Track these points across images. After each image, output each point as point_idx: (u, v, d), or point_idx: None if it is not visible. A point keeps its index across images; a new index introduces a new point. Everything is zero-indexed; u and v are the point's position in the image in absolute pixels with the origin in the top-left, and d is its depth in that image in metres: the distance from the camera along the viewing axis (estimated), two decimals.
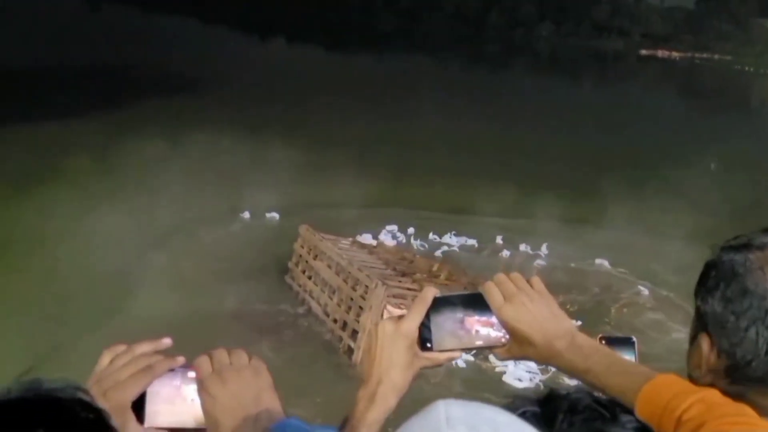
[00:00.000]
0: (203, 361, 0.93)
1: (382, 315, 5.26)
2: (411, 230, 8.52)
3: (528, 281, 1.03)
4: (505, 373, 5.70)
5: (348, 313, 5.93)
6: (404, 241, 8.37)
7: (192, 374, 0.93)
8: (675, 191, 9.38)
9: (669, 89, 32.61)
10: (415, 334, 1.00)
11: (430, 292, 1.03)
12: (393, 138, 12.81)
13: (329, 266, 6.46)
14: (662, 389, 0.86)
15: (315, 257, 6.69)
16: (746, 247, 0.95)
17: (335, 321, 6.11)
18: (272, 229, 8.49)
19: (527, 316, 0.99)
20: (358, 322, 5.61)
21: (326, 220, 7.83)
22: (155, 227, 7.79)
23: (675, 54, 63.27)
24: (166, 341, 0.94)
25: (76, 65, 19.19)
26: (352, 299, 5.97)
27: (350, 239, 7.48)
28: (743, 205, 8.79)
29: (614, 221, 8.80)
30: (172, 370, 0.92)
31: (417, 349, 1.00)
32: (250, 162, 9.67)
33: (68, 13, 38.00)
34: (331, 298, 6.26)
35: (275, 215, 8.95)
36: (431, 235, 8.48)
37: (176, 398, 0.93)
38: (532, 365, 5.58)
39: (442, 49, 44.17)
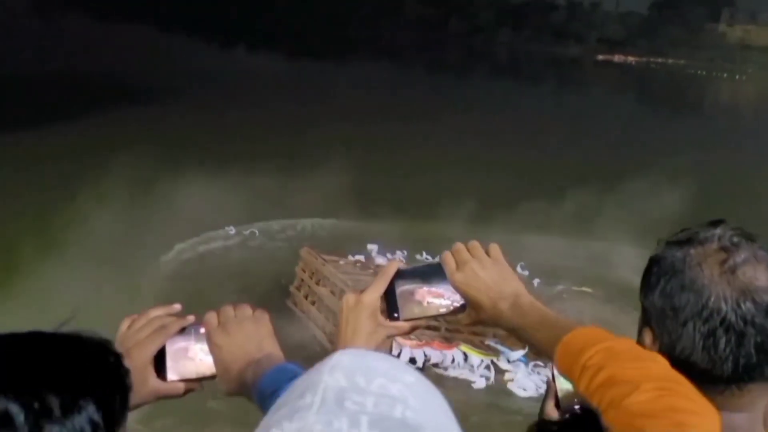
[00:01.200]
0: (211, 316, 1.05)
1: (391, 347, 5.10)
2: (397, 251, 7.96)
3: (486, 250, 1.07)
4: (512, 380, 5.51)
5: None
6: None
7: (202, 330, 1.05)
8: (630, 195, 9.50)
9: (626, 93, 33.33)
10: (377, 303, 1.05)
11: (393, 265, 1.08)
12: (358, 146, 12.73)
13: (332, 292, 6.04)
14: (578, 340, 0.89)
15: (317, 282, 6.31)
16: (688, 242, 0.98)
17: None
18: (256, 249, 8.10)
19: (476, 281, 1.04)
20: None
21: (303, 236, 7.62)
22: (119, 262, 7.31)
23: (631, 59, 64.89)
24: (177, 306, 1.07)
25: (23, 74, 18.67)
26: None
27: (353, 259, 7.15)
28: (694, 208, 8.93)
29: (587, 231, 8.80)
30: (184, 328, 1.05)
31: (381, 318, 1.05)
32: (220, 174, 9.45)
33: (15, 19, 37.06)
34: (336, 326, 5.95)
35: (255, 231, 8.51)
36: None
37: (190, 353, 1.05)
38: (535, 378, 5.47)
39: (405, 56, 44.43)
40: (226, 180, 8.71)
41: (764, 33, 75.99)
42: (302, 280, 6.55)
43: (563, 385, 1.10)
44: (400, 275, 1.08)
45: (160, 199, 8.17)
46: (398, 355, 4.95)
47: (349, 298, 1.07)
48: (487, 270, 1.05)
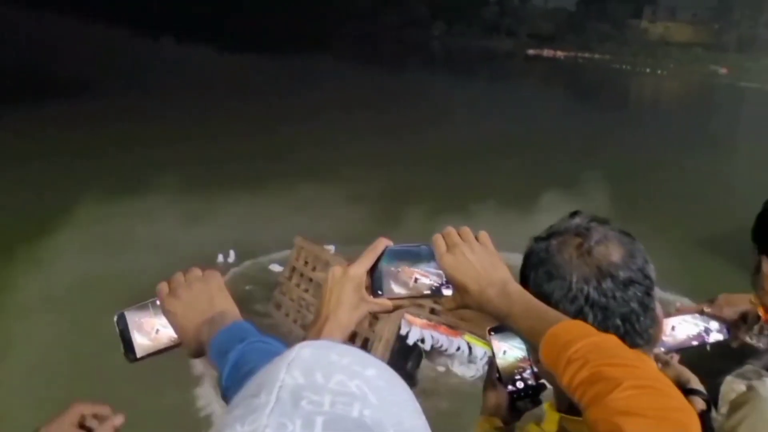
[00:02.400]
0: (162, 286, 1.08)
1: (399, 326, 4.88)
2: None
3: (476, 235, 1.08)
4: None
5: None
6: None
7: (158, 302, 1.08)
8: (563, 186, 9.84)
9: (554, 87, 34.27)
10: (363, 278, 1.06)
11: (382, 242, 1.09)
12: (291, 141, 12.72)
13: None
14: (565, 332, 0.89)
15: (314, 269, 5.94)
16: (550, 235, 1.07)
17: None
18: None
19: (465, 265, 1.03)
20: (374, 331, 4.95)
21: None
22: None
23: (559, 53, 66.58)
24: (118, 420, 1.15)
25: None
26: None
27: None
28: (621, 201, 9.36)
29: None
30: (143, 306, 1.08)
31: (365, 293, 1.07)
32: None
33: None
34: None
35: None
36: None
37: (152, 327, 1.07)
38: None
39: (339, 48, 44.28)
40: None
41: (683, 30, 79.64)
42: (294, 268, 6.14)
43: (503, 361, 1.22)
44: (387, 253, 1.08)
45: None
46: (407, 335, 4.85)
47: (336, 269, 1.08)
48: (477, 255, 1.04)
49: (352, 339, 5.43)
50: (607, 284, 0.99)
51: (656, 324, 1.04)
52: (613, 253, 1.02)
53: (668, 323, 1.58)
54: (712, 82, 46.65)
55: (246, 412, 0.47)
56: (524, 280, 1.06)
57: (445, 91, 23.12)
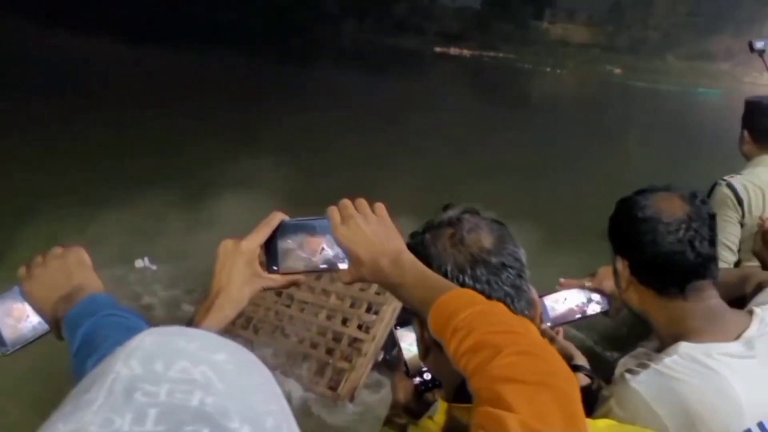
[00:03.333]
0: (21, 270, 1.05)
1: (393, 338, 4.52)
2: None
3: (372, 207, 1.06)
4: None
5: (345, 325, 4.71)
6: None
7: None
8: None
9: (461, 85, 35.14)
10: (255, 252, 1.04)
11: (277, 216, 1.06)
12: (191, 138, 12.47)
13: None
14: (452, 301, 0.89)
15: None
16: (425, 229, 1.10)
17: (323, 334, 4.79)
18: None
19: (359, 236, 1.02)
20: (367, 333, 4.55)
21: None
22: None
23: (466, 52, 68.30)
24: None
25: None
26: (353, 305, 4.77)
27: None
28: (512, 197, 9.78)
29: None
30: (9, 294, 1.04)
31: (258, 268, 1.04)
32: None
33: None
34: (317, 315, 4.95)
35: None
36: None
37: (22, 314, 1.03)
38: None
39: (248, 43, 43.49)
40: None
41: (580, 31, 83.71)
42: None
43: (409, 354, 1.22)
44: (283, 227, 1.05)
45: None
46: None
47: (228, 243, 1.05)
48: (371, 226, 1.03)
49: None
50: (481, 271, 1.01)
51: (532, 306, 1.06)
52: (484, 240, 1.04)
53: (552, 298, 1.66)
54: (607, 81, 49.32)
55: (73, 409, 0.43)
56: None
57: (353, 88, 23.28)
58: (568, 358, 1.56)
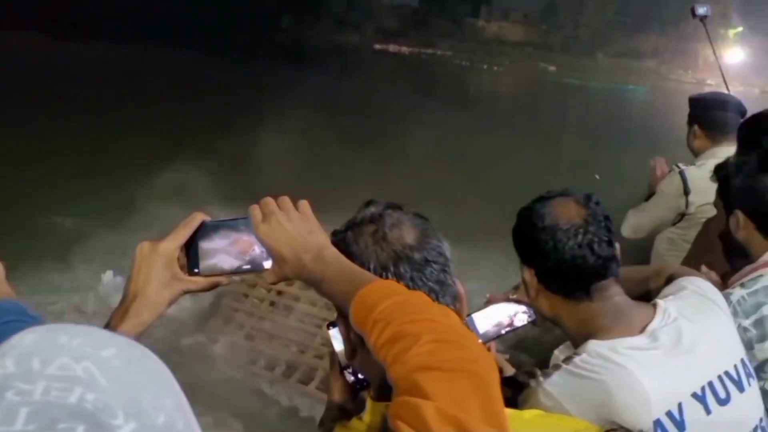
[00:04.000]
0: None
1: None
2: None
3: (295, 204, 1.04)
4: None
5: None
6: None
7: None
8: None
9: (401, 81, 35.41)
10: (174, 254, 1.01)
11: (197, 217, 1.04)
12: (119, 137, 12.13)
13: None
14: (373, 293, 0.88)
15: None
16: (347, 227, 1.10)
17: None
18: None
19: (281, 233, 0.99)
20: None
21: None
22: None
23: (404, 49, 68.73)
24: None
25: None
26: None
27: None
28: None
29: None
30: None
31: (178, 270, 1.02)
32: None
33: None
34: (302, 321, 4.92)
35: None
36: None
37: None
38: None
39: (184, 37, 42.45)
40: None
41: (515, 29, 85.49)
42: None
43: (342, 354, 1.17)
44: (204, 228, 1.03)
45: None
46: None
47: (144, 245, 1.02)
48: (293, 222, 1.01)
49: None
50: (404, 267, 1.01)
51: (458, 300, 1.05)
52: (406, 235, 1.04)
53: (481, 314, 1.68)
54: (542, 78, 50.56)
55: None
56: None
57: (293, 84, 23.11)
58: (499, 371, 1.61)
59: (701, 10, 3.50)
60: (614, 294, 1.33)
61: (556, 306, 1.37)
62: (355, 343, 0.98)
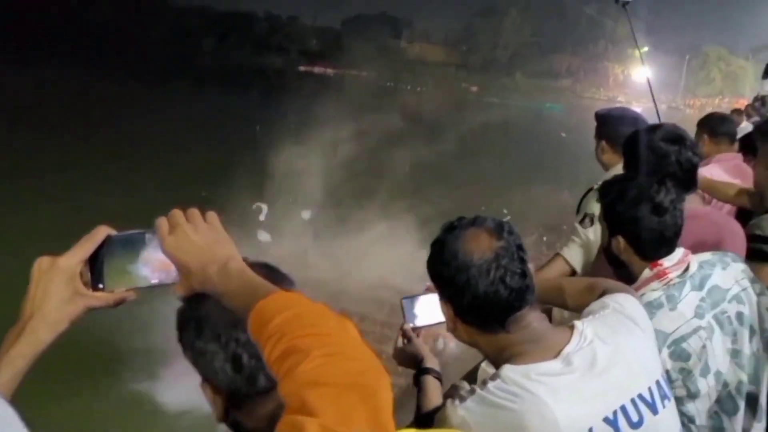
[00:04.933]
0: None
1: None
2: None
3: (204, 216, 1.00)
4: None
5: None
6: None
7: None
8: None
9: (326, 103, 35.48)
10: (76, 269, 0.96)
11: (102, 231, 0.98)
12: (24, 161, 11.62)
13: None
14: (270, 306, 0.85)
15: None
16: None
17: None
18: None
19: (187, 245, 0.96)
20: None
21: None
22: None
23: (329, 70, 69.08)
24: None
25: None
26: None
27: None
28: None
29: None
30: None
31: (80, 286, 0.96)
32: None
33: None
34: None
35: None
36: None
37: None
38: None
39: (102, 60, 41.13)
40: None
41: (436, 51, 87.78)
42: None
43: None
44: (109, 241, 0.98)
45: None
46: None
47: (43, 260, 0.97)
48: (201, 234, 0.97)
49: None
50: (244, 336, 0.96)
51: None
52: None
53: (417, 300, 1.70)
54: (464, 98, 51.83)
55: None
56: (180, 340, 1.03)
57: (213, 107, 22.81)
58: (420, 361, 1.62)
59: None
60: (531, 321, 1.32)
61: (473, 336, 1.37)
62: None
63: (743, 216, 2.94)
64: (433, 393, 1.57)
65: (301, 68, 68.42)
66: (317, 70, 69.44)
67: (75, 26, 62.74)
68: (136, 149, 13.61)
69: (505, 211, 7.24)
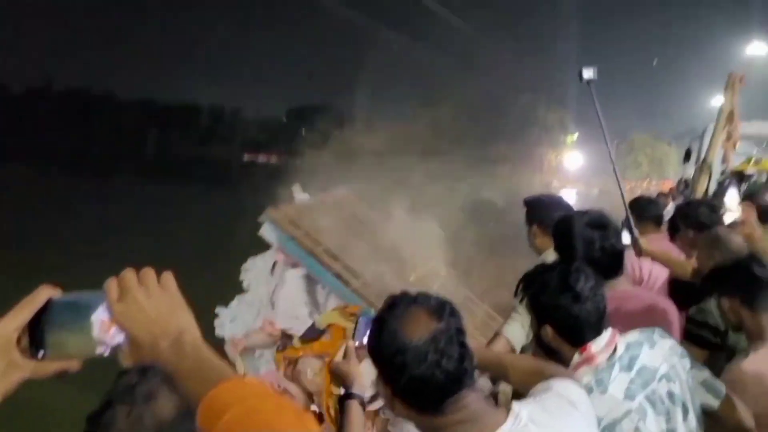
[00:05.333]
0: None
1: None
2: None
3: (159, 278, 0.91)
4: None
5: None
6: None
7: None
8: None
9: (271, 192, 35.62)
10: (11, 336, 0.86)
11: (43, 293, 0.89)
12: None
13: None
14: (221, 397, 0.81)
15: None
16: (108, 403, 1.15)
17: None
18: None
19: (138, 313, 0.87)
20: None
21: None
22: None
23: (274, 159, 69.74)
24: None
25: None
26: None
27: None
28: None
29: None
30: None
31: (16, 355, 0.86)
32: None
33: None
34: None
35: None
36: None
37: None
38: None
39: (39, 155, 40.46)
40: None
41: (377, 139, 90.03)
42: None
43: None
44: (52, 305, 0.89)
45: None
46: None
47: None
48: (153, 300, 0.89)
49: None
50: None
51: None
52: (163, 410, 1.05)
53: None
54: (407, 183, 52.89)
55: None
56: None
57: (157, 199, 22.60)
58: (349, 383, 1.66)
59: (587, 74, 3.65)
60: (468, 403, 1.30)
61: (411, 416, 1.36)
62: None
63: (679, 291, 3.04)
64: (355, 418, 1.62)
65: (246, 158, 68.78)
66: (261, 159, 69.96)
67: (18, 122, 61.96)
68: (76, 239, 13.26)
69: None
